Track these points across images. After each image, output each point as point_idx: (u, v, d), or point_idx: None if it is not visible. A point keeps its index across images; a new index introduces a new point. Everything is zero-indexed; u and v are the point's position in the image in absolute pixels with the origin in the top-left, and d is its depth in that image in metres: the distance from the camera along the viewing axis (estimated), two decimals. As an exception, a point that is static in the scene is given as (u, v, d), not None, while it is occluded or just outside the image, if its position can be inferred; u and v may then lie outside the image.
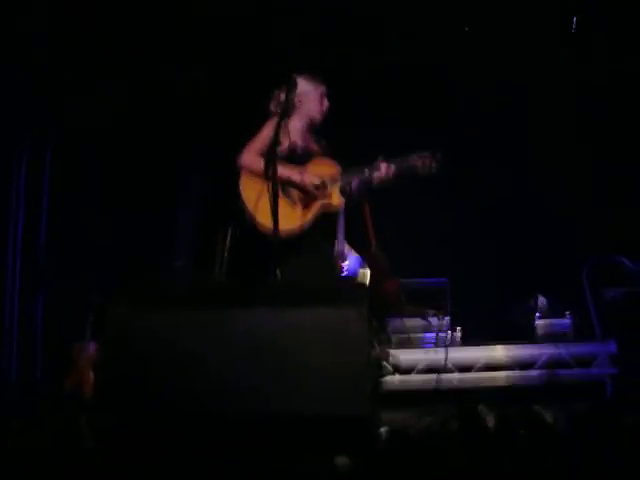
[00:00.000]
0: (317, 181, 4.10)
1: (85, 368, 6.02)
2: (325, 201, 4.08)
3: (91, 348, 6.10)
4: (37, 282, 7.29)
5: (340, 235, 5.67)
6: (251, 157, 4.08)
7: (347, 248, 5.69)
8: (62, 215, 7.37)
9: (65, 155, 7.38)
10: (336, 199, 4.12)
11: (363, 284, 2.98)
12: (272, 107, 4.37)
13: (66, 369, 6.10)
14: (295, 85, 4.08)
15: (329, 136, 4.53)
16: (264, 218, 3.88)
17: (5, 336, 7.05)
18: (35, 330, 7.22)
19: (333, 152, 4.42)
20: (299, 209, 4.05)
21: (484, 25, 6.76)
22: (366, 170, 4.19)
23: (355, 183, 4.27)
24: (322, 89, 4.39)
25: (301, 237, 3.98)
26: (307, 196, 4.07)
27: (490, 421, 3.27)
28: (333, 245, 4.44)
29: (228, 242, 5.41)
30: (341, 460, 2.61)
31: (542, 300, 5.94)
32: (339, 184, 4.15)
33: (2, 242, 7.22)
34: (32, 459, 3.41)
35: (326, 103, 4.39)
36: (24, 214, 7.34)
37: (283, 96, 4.22)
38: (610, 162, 6.63)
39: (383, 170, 4.17)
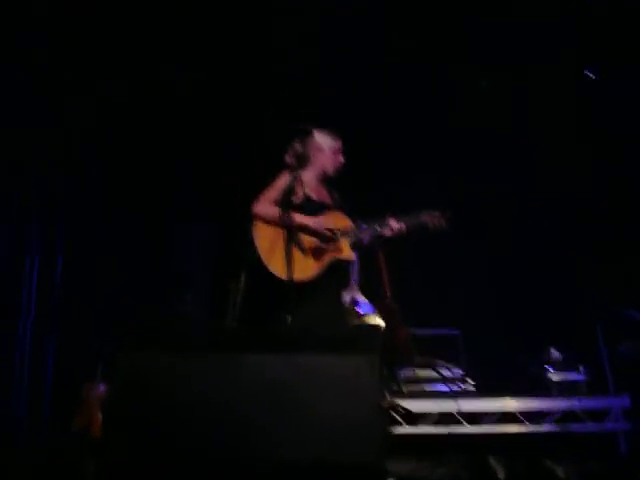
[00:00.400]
0: (332, 227, 4.13)
1: (94, 408, 6.03)
2: (336, 254, 4.12)
3: (100, 388, 6.12)
4: (50, 323, 7.35)
5: (353, 283, 5.70)
6: (265, 206, 4.12)
7: (358, 295, 5.72)
8: (76, 260, 7.47)
9: (78, 204, 7.53)
10: (347, 252, 4.15)
11: (376, 331, 2.97)
12: (287, 158, 4.43)
13: (75, 408, 6.12)
14: (310, 138, 4.15)
15: (342, 190, 4.59)
16: (277, 266, 3.92)
17: (16, 374, 7.08)
18: (45, 369, 7.26)
19: (345, 206, 4.47)
20: (310, 260, 4.08)
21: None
22: (376, 226, 4.24)
23: (366, 238, 4.32)
24: (337, 144, 4.45)
25: (312, 286, 3.99)
26: (318, 248, 4.10)
27: (501, 473, 3.25)
28: (342, 295, 4.46)
29: (241, 288, 5.44)
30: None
31: (555, 353, 5.90)
32: (350, 238, 4.19)
33: (17, 283, 7.30)
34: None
35: (341, 158, 4.45)
36: (39, 259, 7.44)
37: (299, 148, 4.30)
38: (628, 214, 6.62)
39: (393, 226, 4.23)
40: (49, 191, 7.54)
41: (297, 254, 4.00)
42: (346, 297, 5.65)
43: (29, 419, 7.00)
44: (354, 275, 5.71)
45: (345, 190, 4.59)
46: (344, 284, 4.60)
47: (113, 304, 7.09)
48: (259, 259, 4.03)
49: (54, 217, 7.65)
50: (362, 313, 5.65)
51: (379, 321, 5.60)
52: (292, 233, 3.80)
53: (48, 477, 4.10)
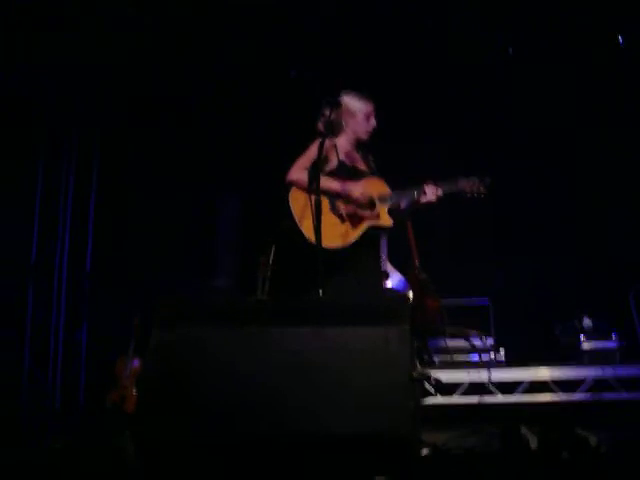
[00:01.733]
0: (368, 192, 4.07)
1: (128, 383, 6.10)
2: (373, 221, 4.06)
3: (134, 363, 6.19)
4: (83, 299, 7.45)
5: (384, 255, 5.68)
6: (299, 173, 4.08)
7: (390, 268, 5.70)
8: (106, 237, 7.56)
9: (108, 182, 7.59)
10: (385, 219, 4.08)
11: (406, 301, 2.95)
12: (320, 126, 4.37)
13: (108, 385, 6.20)
14: (341, 104, 4.09)
15: (379, 155, 4.52)
16: (311, 233, 3.88)
17: (51, 358, 7.20)
18: (79, 348, 7.38)
19: (381, 171, 4.41)
20: (347, 227, 4.03)
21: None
22: (415, 192, 4.16)
23: (404, 204, 4.25)
24: (369, 107, 4.36)
25: (346, 254, 3.96)
26: (355, 214, 4.05)
27: (533, 442, 3.24)
28: (378, 263, 4.42)
29: (270, 262, 5.46)
30: (381, 480, 2.60)
31: (587, 321, 5.86)
32: (388, 204, 4.12)
33: (49, 265, 7.40)
34: (77, 476, 3.47)
35: (373, 122, 4.35)
36: (70, 237, 7.54)
37: (330, 114, 4.24)
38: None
39: (431, 192, 4.15)
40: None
41: (334, 220, 3.96)
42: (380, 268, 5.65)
43: (64, 394, 7.14)
44: (384, 247, 5.69)
45: (383, 154, 4.53)
46: (378, 254, 4.56)
47: (145, 279, 7.17)
48: (296, 226, 3.99)
49: (84, 188, 7.74)
50: (394, 286, 5.64)
51: (408, 291, 5.59)
52: (319, 201, 3.73)
53: (83, 454, 4.17)
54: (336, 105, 4.07)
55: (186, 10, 6.36)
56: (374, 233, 4.12)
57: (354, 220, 4.05)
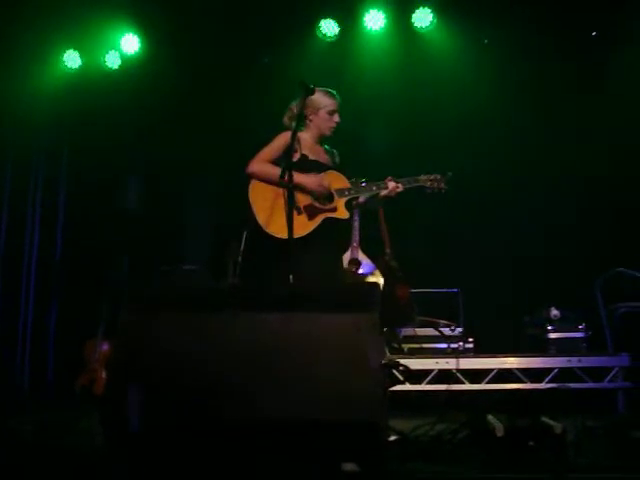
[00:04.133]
0: (328, 186, 4.13)
1: (97, 366, 6.08)
2: (330, 214, 4.13)
3: (103, 347, 6.16)
4: (52, 282, 7.40)
5: (355, 242, 5.70)
6: (262, 165, 4.13)
7: (362, 255, 5.72)
8: (77, 219, 7.51)
9: (79, 163, 7.55)
10: (342, 212, 4.17)
11: (376, 288, 2.96)
12: (285, 120, 4.43)
13: (77, 368, 6.18)
14: (312, 90, 4.11)
15: (340, 150, 4.58)
16: (275, 226, 3.95)
17: (19, 339, 7.16)
18: (47, 332, 7.33)
19: (343, 166, 4.46)
20: (304, 218, 4.09)
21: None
22: (374, 187, 4.26)
23: (362, 198, 4.36)
24: (334, 104, 4.40)
25: (304, 244, 4.00)
26: (312, 206, 4.11)
27: (499, 430, 3.28)
28: (334, 254, 4.47)
29: (242, 247, 5.45)
30: (349, 467, 2.62)
31: (555, 312, 5.92)
32: (346, 197, 4.20)
33: (19, 246, 7.35)
34: (46, 457, 3.46)
35: (337, 118, 4.40)
36: (40, 217, 7.50)
37: (296, 109, 4.30)
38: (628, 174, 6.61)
39: (391, 188, 4.25)
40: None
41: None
42: (346, 257, 5.66)
43: (33, 378, 7.10)
44: (355, 235, 5.71)
45: (344, 150, 4.59)
46: (340, 243, 4.61)
47: (115, 263, 7.13)
48: (253, 216, 4.06)
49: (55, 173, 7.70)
50: (362, 273, 5.66)
51: (379, 279, 5.61)
52: (292, 192, 3.80)
53: (53, 437, 4.15)
54: (311, 92, 4.08)
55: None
56: (331, 226, 4.18)
57: (311, 212, 4.13)
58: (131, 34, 7.25)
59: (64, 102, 7.49)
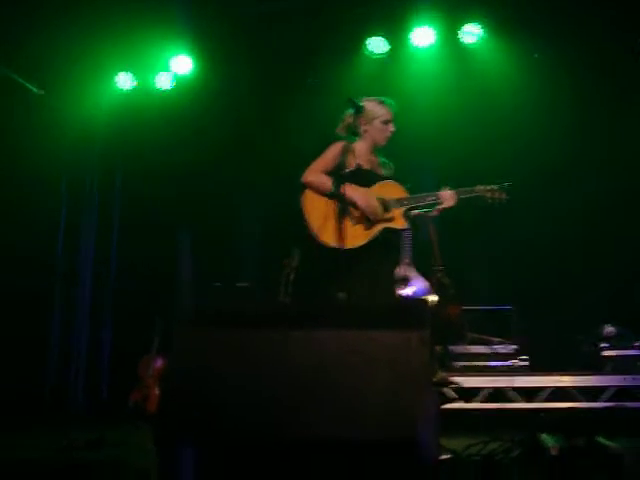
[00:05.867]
0: (379, 209, 4.09)
1: (151, 383, 6.14)
2: (387, 224, 4.09)
3: (157, 363, 6.23)
4: (107, 299, 7.53)
5: (407, 259, 5.67)
6: (315, 175, 4.12)
7: (413, 272, 5.69)
8: (131, 237, 7.64)
9: (133, 183, 7.71)
10: (399, 222, 4.12)
11: (427, 306, 2.95)
12: (339, 130, 4.42)
13: (131, 385, 6.25)
14: (361, 109, 4.11)
15: (396, 160, 4.55)
16: (328, 237, 3.93)
17: (73, 354, 7.29)
18: (102, 347, 7.46)
19: (399, 176, 4.43)
20: (360, 229, 4.06)
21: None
22: (431, 197, 4.19)
23: (420, 208, 4.29)
24: (389, 114, 4.38)
25: (360, 255, 3.98)
26: (368, 217, 4.08)
27: (554, 450, 3.23)
28: (393, 266, 4.44)
29: (294, 264, 5.48)
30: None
31: (610, 329, 5.81)
32: (403, 207, 4.15)
33: (74, 264, 7.51)
34: (99, 473, 3.50)
35: (392, 128, 4.37)
36: (96, 236, 7.66)
37: (349, 119, 4.29)
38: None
39: (448, 198, 4.17)
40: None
41: (347, 223, 3.98)
42: (398, 273, 5.63)
43: (87, 393, 7.22)
44: (407, 250, 5.68)
45: (401, 160, 4.55)
46: (395, 254, 4.57)
47: (169, 279, 7.23)
48: (309, 230, 4.05)
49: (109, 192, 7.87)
50: (414, 292, 5.63)
51: (431, 296, 5.58)
52: (344, 203, 3.80)
53: (107, 453, 4.20)
54: (359, 110, 4.09)
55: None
56: (389, 236, 4.14)
57: (366, 223, 4.09)
58: (183, 55, 7.36)
59: (117, 123, 7.67)
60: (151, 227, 7.48)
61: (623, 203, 6.73)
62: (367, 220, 4.09)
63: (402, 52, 7.25)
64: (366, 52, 7.20)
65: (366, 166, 4.28)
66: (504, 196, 4.25)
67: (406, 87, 7.09)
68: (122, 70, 7.50)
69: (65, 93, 7.28)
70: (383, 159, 4.47)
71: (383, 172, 4.38)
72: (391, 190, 4.20)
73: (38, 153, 6.92)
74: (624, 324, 5.84)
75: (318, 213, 4.06)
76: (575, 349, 6.21)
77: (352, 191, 4.04)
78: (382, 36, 7.15)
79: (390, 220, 4.12)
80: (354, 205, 4.08)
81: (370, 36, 7.16)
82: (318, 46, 7.18)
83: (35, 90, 6.80)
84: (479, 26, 6.97)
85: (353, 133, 4.13)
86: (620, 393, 5.36)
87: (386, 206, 4.15)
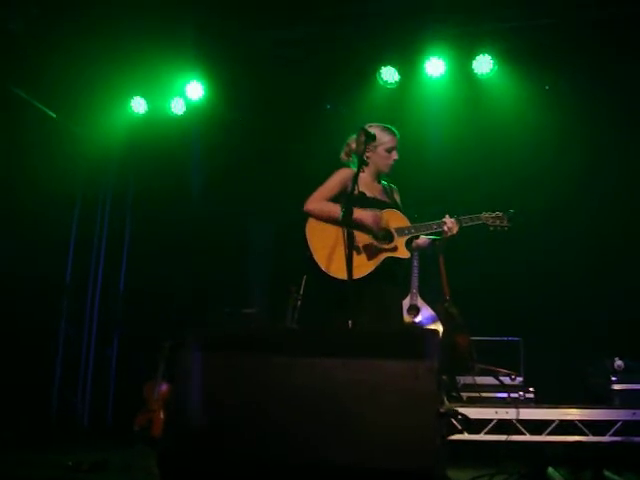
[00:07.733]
0: (387, 225, 4.06)
1: (156, 407, 6.13)
2: (391, 253, 4.06)
3: (162, 388, 6.22)
4: (112, 328, 7.56)
5: (414, 288, 5.65)
6: (319, 203, 4.08)
7: (420, 302, 5.68)
8: (138, 264, 7.69)
9: (143, 206, 7.79)
10: (403, 251, 4.08)
11: (436, 336, 2.92)
12: (343, 156, 4.40)
13: (136, 409, 6.24)
14: (373, 137, 4.09)
15: (404, 187, 4.53)
16: (335, 267, 3.88)
17: (80, 376, 7.30)
18: (108, 370, 7.46)
19: (402, 203, 4.41)
20: (364, 258, 4.03)
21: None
22: (434, 225, 4.16)
23: (423, 237, 4.26)
24: (392, 141, 4.36)
25: (364, 285, 3.93)
26: (372, 246, 4.04)
27: (560, 484, 3.20)
28: (396, 295, 4.39)
29: (301, 292, 5.47)
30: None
31: (619, 362, 5.77)
32: (406, 236, 4.11)
33: (82, 289, 7.55)
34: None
35: (395, 155, 4.35)
36: (104, 262, 7.72)
37: (353, 146, 4.29)
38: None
39: (451, 226, 4.14)
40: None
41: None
42: (406, 303, 5.62)
43: (92, 416, 7.21)
44: (414, 281, 5.67)
45: (405, 187, 4.54)
46: (401, 284, 4.53)
47: (176, 303, 7.24)
48: (313, 260, 3.99)
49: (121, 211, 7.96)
50: (421, 321, 5.61)
51: (438, 326, 5.56)
52: (352, 232, 3.76)
53: (111, 477, 4.19)
54: (372, 138, 4.08)
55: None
56: (392, 266, 4.10)
57: (371, 251, 4.04)
58: (196, 81, 7.43)
59: (130, 146, 7.74)
60: (161, 247, 7.54)
61: (634, 234, 6.71)
62: (370, 249, 4.05)
63: (414, 81, 7.28)
64: (380, 81, 7.24)
65: (369, 193, 4.23)
66: (507, 223, 4.23)
67: (417, 115, 7.13)
68: (136, 95, 7.57)
69: (82, 116, 7.39)
70: (386, 184, 4.45)
71: (386, 199, 4.34)
72: (394, 219, 4.16)
73: (55, 173, 7.00)
74: (634, 357, 5.80)
75: (323, 242, 4.00)
76: (583, 382, 6.17)
77: (359, 212, 4.01)
78: (394, 66, 7.19)
79: (394, 250, 4.08)
80: (361, 226, 4.03)
81: (384, 65, 7.20)
82: (333, 74, 7.21)
83: (53, 115, 6.90)
84: (490, 57, 7.00)
85: (359, 167, 4.06)
86: (628, 427, 5.31)
87: (389, 235, 4.11)
